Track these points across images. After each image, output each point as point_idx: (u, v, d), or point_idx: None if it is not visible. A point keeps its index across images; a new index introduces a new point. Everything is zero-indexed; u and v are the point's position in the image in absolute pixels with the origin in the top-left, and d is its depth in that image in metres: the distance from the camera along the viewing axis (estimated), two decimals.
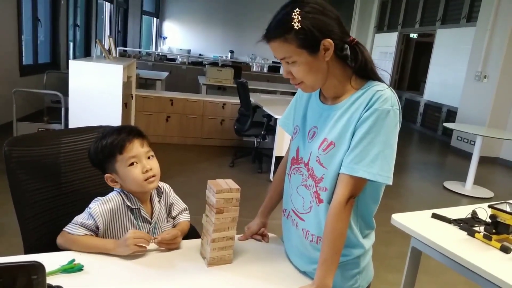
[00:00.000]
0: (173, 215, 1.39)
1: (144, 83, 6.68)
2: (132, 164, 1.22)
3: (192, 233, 1.41)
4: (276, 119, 4.25)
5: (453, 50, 7.53)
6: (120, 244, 1.16)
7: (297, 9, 0.98)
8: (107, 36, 9.30)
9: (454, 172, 5.66)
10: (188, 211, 1.42)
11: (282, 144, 4.18)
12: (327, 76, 1.07)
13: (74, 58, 7.92)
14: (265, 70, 10.85)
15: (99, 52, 3.82)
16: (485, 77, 6.37)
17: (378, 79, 1.08)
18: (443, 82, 7.81)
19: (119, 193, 1.26)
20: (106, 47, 3.86)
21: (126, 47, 10.84)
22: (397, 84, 9.91)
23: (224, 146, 5.52)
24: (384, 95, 1.02)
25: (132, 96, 4.21)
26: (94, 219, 1.19)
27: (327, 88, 1.11)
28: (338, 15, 1.03)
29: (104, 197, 1.24)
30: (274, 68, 10.56)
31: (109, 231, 1.23)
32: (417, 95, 8.84)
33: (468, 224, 1.52)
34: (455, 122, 6.77)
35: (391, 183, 1.02)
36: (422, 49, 9.79)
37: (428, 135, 8.09)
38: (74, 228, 1.18)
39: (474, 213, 1.61)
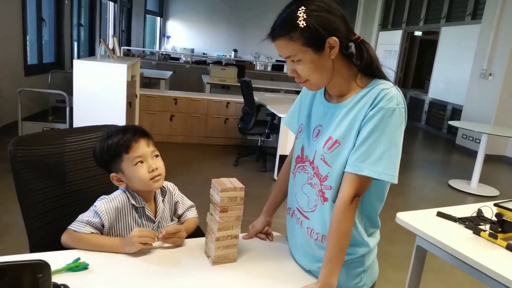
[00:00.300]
0: (179, 213, 1.39)
1: (148, 82, 6.70)
2: (138, 163, 1.23)
3: (197, 231, 1.41)
4: (280, 118, 4.24)
5: (458, 47, 7.48)
6: (126, 242, 1.16)
7: (302, 7, 0.98)
8: (111, 35, 9.34)
9: (459, 170, 5.63)
10: (195, 208, 1.43)
11: (286, 143, 4.17)
12: (332, 74, 1.06)
13: (79, 57, 7.95)
14: (269, 68, 10.84)
15: (103, 52, 3.83)
16: (490, 74, 6.33)
17: (384, 77, 1.08)
18: (448, 80, 7.77)
19: (124, 191, 1.27)
20: (110, 46, 3.87)
21: (130, 46, 10.87)
22: (402, 82, 9.87)
23: (228, 145, 5.52)
24: (389, 94, 1.02)
25: (136, 95, 4.22)
26: (100, 217, 1.20)
27: (332, 86, 1.11)
28: (343, 13, 1.03)
29: (109, 196, 1.25)
30: (278, 67, 10.55)
31: (113, 229, 1.24)
32: (422, 93, 8.80)
33: (473, 223, 1.52)
34: (460, 120, 6.74)
35: (396, 182, 1.02)
36: (426, 47, 9.74)
37: (433, 133, 8.06)
38: (80, 226, 1.18)
39: (479, 211, 1.60)
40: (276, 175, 4.28)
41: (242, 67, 7.44)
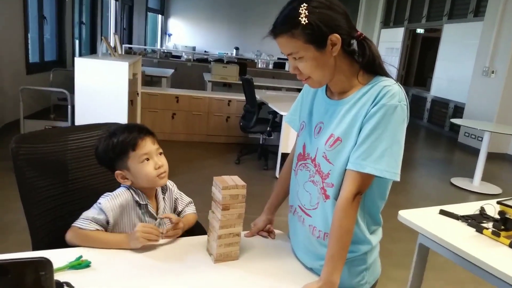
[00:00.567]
0: (179, 209, 1.41)
1: (150, 80, 6.70)
2: (144, 160, 1.25)
3: (199, 229, 1.41)
4: (281, 116, 4.24)
5: (460, 45, 7.46)
6: (130, 237, 1.17)
7: (304, 4, 0.97)
8: (112, 33, 9.33)
9: (462, 168, 5.62)
10: (193, 204, 1.45)
11: (287, 141, 4.17)
12: (334, 72, 1.06)
13: (80, 55, 7.95)
14: (271, 66, 10.84)
15: (105, 50, 3.83)
16: (492, 72, 6.31)
17: (386, 74, 1.07)
18: (450, 77, 7.75)
19: (128, 189, 1.28)
20: (112, 44, 3.87)
21: (131, 44, 10.87)
22: (404, 80, 9.85)
23: (230, 143, 5.52)
24: (391, 91, 1.01)
25: (137, 93, 4.22)
26: (105, 214, 1.21)
27: (334, 83, 1.10)
28: (345, 10, 1.02)
29: (113, 193, 1.26)
30: (279, 65, 10.54)
31: (117, 226, 1.25)
32: (424, 91, 8.78)
33: (476, 221, 1.51)
34: (463, 118, 6.72)
35: (398, 179, 1.02)
36: (428, 44, 9.71)
37: (435, 131, 8.04)
38: (85, 223, 1.19)
39: (482, 209, 1.60)
40: (278, 173, 4.28)
41: (244, 65, 7.43)
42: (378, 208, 1.14)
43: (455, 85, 7.51)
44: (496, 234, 1.39)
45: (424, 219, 1.54)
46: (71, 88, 3.36)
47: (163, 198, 1.36)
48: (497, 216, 1.44)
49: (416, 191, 4.56)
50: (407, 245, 2.96)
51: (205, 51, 12.63)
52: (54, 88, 4.50)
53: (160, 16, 13.64)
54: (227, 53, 12.41)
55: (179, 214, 1.41)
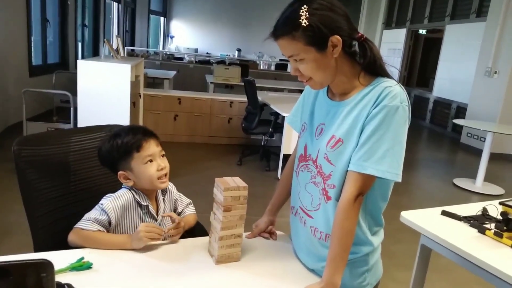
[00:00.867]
0: (178, 210, 1.43)
1: (152, 82, 6.71)
2: (148, 162, 1.26)
3: (200, 230, 1.42)
4: (283, 117, 4.24)
5: (462, 45, 7.44)
6: (133, 237, 1.18)
7: (305, 6, 0.97)
8: (115, 35, 9.37)
9: (464, 169, 5.60)
10: (192, 204, 1.47)
11: (289, 142, 4.17)
12: (336, 73, 1.06)
13: (83, 58, 7.98)
14: (272, 68, 10.84)
15: (107, 52, 3.84)
16: (495, 72, 6.29)
17: (387, 75, 1.07)
18: (452, 78, 7.73)
19: (129, 190, 1.29)
20: (114, 46, 3.88)
21: (134, 46, 10.90)
22: (406, 81, 9.83)
23: (232, 144, 5.52)
24: (393, 92, 1.01)
25: (140, 95, 4.23)
26: (107, 215, 1.21)
27: (335, 85, 1.10)
28: (346, 11, 1.02)
29: (115, 194, 1.27)
30: (281, 66, 10.55)
31: (119, 227, 1.26)
32: (426, 91, 8.76)
33: (478, 222, 1.51)
34: (465, 118, 6.70)
35: (400, 180, 1.01)
36: (431, 45, 9.70)
37: (437, 132, 8.02)
38: (87, 224, 1.20)
39: (484, 210, 1.59)
40: (280, 174, 4.26)
41: (246, 66, 7.44)
42: (380, 209, 1.14)
43: (458, 85, 7.49)
44: (498, 235, 1.39)
45: (426, 220, 1.54)
46: (73, 90, 3.37)
47: (163, 199, 1.37)
48: (500, 217, 1.43)
49: (419, 192, 4.55)
50: (409, 246, 2.95)
51: (207, 53, 12.65)
52: (57, 91, 4.52)
53: (162, 18, 13.67)
54: (229, 55, 12.43)
55: (179, 215, 1.42)
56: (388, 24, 10.45)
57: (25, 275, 0.72)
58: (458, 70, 7.55)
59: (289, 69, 9.98)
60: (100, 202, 1.24)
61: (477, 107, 6.62)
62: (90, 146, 1.43)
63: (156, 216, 1.32)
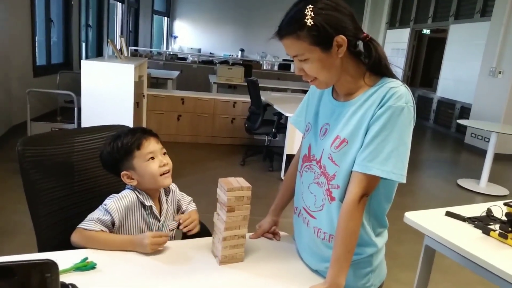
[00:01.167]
0: (183, 209, 1.45)
1: (156, 82, 6.72)
2: (150, 159, 1.27)
3: (204, 231, 1.42)
4: (287, 117, 4.23)
5: (466, 45, 7.41)
6: (138, 243, 1.17)
7: (310, 6, 0.97)
8: (118, 36, 9.38)
9: (468, 169, 5.58)
10: (193, 201, 1.50)
11: (293, 142, 4.16)
12: (341, 73, 1.05)
13: (87, 58, 8.00)
14: (276, 68, 10.83)
15: (111, 52, 3.85)
16: (500, 72, 6.26)
17: (392, 75, 1.07)
18: (456, 78, 7.70)
19: (133, 190, 1.29)
20: (118, 47, 3.89)
21: (137, 46, 10.92)
22: (410, 81, 9.81)
23: (235, 145, 5.53)
24: (398, 92, 1.01)
25: (143, 95, 4.23)
26: (111, 215, 1.22)
27: (340, 85, 1.10)
28: (351, 11, 1.02)
29: (119, 194, 1.28)
30: (284, 66, 10.53)
31: (122, 228, 1.26)
32: (430, 91, 8.73)
33: (483, 222, 1.50)
34: (469, 118, 6.68)
35: (404, 181, 1.01)
36: (435, 45, 9.66)
37: (441, 132, 7.99)
38: (90, 224, 1.20)
39: (489, 211, 1.59)
40: (283, 174, 4.27)
41: (249, 66, 7.44)
42: (384, 210, 1.14)
43: (462, 85, 7.46)
44: (503, 236, 1.38)
45: (430, 220, 1.53)
46: (77, 90, 3.38)
47: (166, 200, 1.37)
48: (504, 218, 1.43)
49: (423, 193, 4.53)
50: (413, 247, 2.94)
51: (211, 53, 12.65)
52: (61, 91, 4.54)
53: (165, 18, 13.69)
54: (232, 55, 12.43)
55: (183, 213, 1.44)
56: (391, 24, 10.42)
57: (30, 275, 0.72)
58: (462, 70, 7.52)
59: (292, 69, 9.97)
60: (104, 202, 1.25)
61: (481, 107, 6.59)
62: (94, 146, 1.43)
63: (159, 217, 1.33)
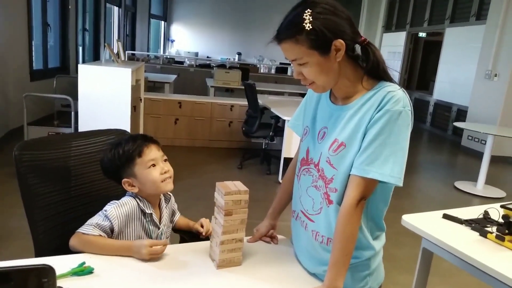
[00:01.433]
0: (175, 219, 1.46)
1: (153, 86, 6.72)
2: (151, 166, 1.27)
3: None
4: (284, 120, 4.24)
5: (462, 48, 7.45)
6: (135, 250, 1.17)
7: (308, 10, 0.97)
8: (115, 40, 9.38)
9: (465, 172, 5.60)
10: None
11: (290, 146, 4.17)
12: (339, 77, 1.06)
13: (84, 62, 7.99)
14: (273, 71, 10.84)
15: (108, 56, 3.85)
16: (495, 75, 6.29)
17: (390, 79, 1.07)
18: (452, 81, 7.74)
19: (133, 197, 1.29)
20: (115, 51, 3.89)
21: (134, 50, 10.92)
22: (406, 84, 9.85)
23: (233, 148, 5.52)
24: (396, 96, 1.01)
25: (140, 99, 4.23)
26: (110, 221, 1.21)
27: (338, 89, 1.10)
28: (349, 15, 1.02)
29: (119, 201, 1.27)
30: (281, 70, 10.55)
31: (122, 235, 1.26)
32: (427, 94, 8.77)
33: (480, 225, 1.50)
34: (466, 121, 6.70)
35: (401, 185, 1.01)
36: (431, 48, 9.72)
37: (438, 135, 8.02)
38: (89, 228, 1.20)
39: (486, 213, 1.59)
40: (281, 178, 4.27)
41: (246, 70, 7.44)
42: (381, 213, 1.14)
43: (458, 88, 7.50)
44: (500, 238, 1.39)
45: (427, 223, 1.54)
46: (74, 94, 3.38)
47: (166, 207, 1.38)
48: (501, 220, 1.43)
49: (420, 195, 4.54)
50: (411, 249, 2.94)
51: (208, 57, 12.67)
52: (58, 95, 4.52)
53: (163, 22, 13.71)
54: (229, 59, 12.44)
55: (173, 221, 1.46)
56: (388, 27, 10.47)
57: (27, 280, 0.72)
58: (458, 73, 7.55)
59: (289, 73, 10.00)
60: (104, 208, 1.25)
61: (478, 109, 6.62)
62: (91, 150, 1.43)
63: (159, 225, 1.33)
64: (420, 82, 10.12)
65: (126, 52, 8.96)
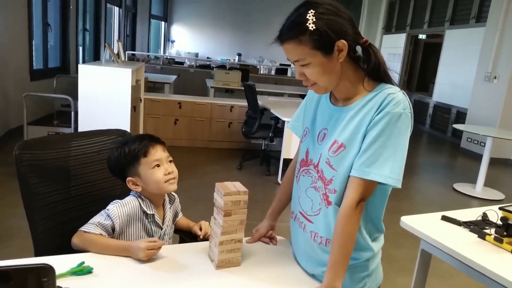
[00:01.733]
0: (178, 218, 1.47)
1: (153, 87, 6.72)
2: (155, 167, 1.28)
3: None
4: (283, 121, 4.24)
5: (462, 50, 7.46)
6: (133, 250, 1.17)
7: (311, 10, 0.98)
8: (116, 40, 9.39)
9: (464, 173, 5.60)
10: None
11: (290, 147, 4.17)
12: (340, 78, 1.06)
13: (84, 62, 8.00)
14: (273, 72, 10.85)
15: (108, 56, 3.85)
16: (495, 77, 6.30)
17: (391, 81, 1.07)
18: (452, 83, 7.75)
19: (136, 198, 1.30)
20: (115, 51, 3.90)
21: (134, 51, 10.92)
22: (406, 86, 9.85)
23: (232, 149, 5.53)
24: (396, 98, 1.02)
25: (140, 100, 4.24)
26: (112, 220, 1.22)
27: (339, 90, 1.10)
28: (351, 16, 1.03)
29: (122, 200, 1.28)
30: (281, 71, 10.56)
31: (123, 235, 1.27)
32: (426, 96, 8.77)
33: (478, 227, 1.51)
34: (465, 123, 6.71)
35: (400, 186, 1.02)
36: (430, 50, 9.73)
37: (437, 137, 8.02)
38: (91, 227, 1.21)
39: (484, 215, 1.59)
40: (280, 178, 4.27)
41: (246, 71, 7.45)
42: (380, 214, 1.14)
43: (458, 90, 7.51)
44: (498, 240, 1.39)
45: (426, 225, 1.54)
46: (74, 94, 3.38)
47: (170, 208, 1.39)
48: (500, 222, 1.43)
49: (419, 197, 4.55)
50: (410, 251, 2.95)
51: (208, 57, 12.68)
52: (58, 95, 4.53)
53: (163, 22, 13.72)
54: (229, 59, 12.45)
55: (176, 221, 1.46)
56: (388, 29, 10.48)
57: (26, 280, 0.72)
58: (458, 75, 7.56)
59: (289, 74, 10.01)
60: (107, 207, 1.26)
61: (477, 112, 6.62)
62: (91, 150, 1.43)
63: (161, 225, 1.33)
64: (419, 84, 10.13)
65: (126, 52, 8.97)
